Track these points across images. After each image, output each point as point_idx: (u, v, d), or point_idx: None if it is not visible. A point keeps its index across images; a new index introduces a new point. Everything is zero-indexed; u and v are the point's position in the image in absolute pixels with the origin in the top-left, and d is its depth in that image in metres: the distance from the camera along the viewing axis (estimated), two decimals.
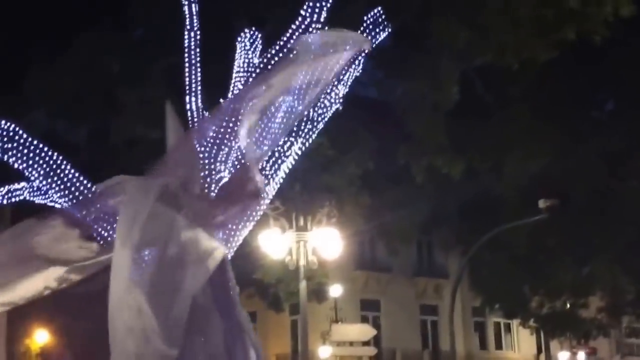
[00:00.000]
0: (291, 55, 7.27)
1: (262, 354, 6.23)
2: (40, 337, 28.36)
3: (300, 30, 7.42)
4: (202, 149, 7.37)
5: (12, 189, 22.46)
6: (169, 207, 6.48)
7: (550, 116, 26.80)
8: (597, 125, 29.51)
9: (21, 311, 25.39)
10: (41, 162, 21.73)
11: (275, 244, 24.27)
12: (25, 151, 21.63)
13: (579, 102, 28.54)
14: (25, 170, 22.05)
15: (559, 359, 44.65)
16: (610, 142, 28.66)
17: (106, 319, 5.82)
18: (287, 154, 24.99)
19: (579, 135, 27.85)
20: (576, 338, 37.95)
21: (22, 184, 22.24)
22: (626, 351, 48.59)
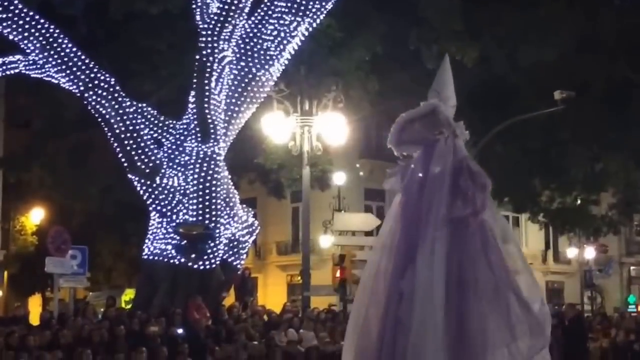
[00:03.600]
0: None
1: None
2: (36, 215, 27.91)
3: None
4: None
5: (7, 62, 20.99)
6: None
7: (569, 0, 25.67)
8: (619, 11, 28.18)
9: (16, 189, 24.39)
10: (37, 34, 20.15)
11: (279, 128, 23.45)
12: (21, 22, 20.13)
13: None
14: (21, 43, 20.67)
15: (567, 255, 44.27)
16: (632, 32, 27.41)
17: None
18: (294, 34, 23.52)
19: (599, 22, 26.60)
20: (585, 234, 37.50)
21: (18, 56, 20.79)
22: (635, 249, 48.31)
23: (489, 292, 6.40)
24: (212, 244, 20.88)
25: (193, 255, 20.60)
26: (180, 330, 18.29)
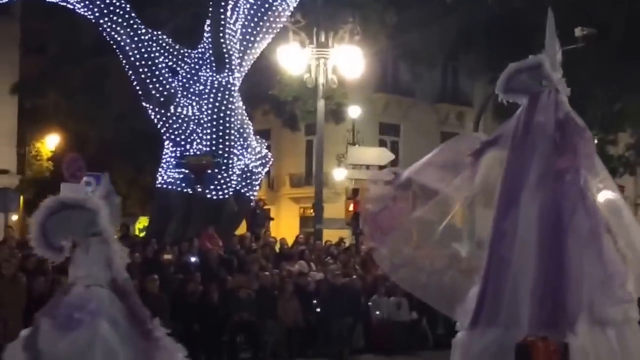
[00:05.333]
0: None
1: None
2: (51, 141, 27.98)
3: None
4: None
5: None
6: None
7: None
8: None
9: (32, 114, 24.37)
10: None
11: (294, 59, 23.29)
12: None
13: None
14: None
15: None
16: None
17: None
18: None
19: None
20: None
21: None
22: None
23: (585, 234, 6.83)
24: (224, 174, 20.91)
25: (201, 187, 20.65)
26: (193, 259, 18.42)
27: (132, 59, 21.26)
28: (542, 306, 6.95)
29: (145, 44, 21.34)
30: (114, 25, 21.07)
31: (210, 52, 21.17)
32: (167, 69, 21.72)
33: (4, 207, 21.21)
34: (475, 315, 7.44)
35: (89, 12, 21.04)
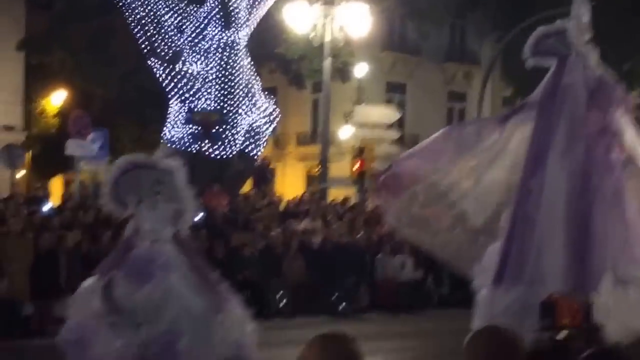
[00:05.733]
0: None
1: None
2: (57, 97, 27.96)
3: None
4: None
5: None
6: None
7: None
8: None
9: (38, 71, 24.29)
10: None
11: (301, 17, 23.17)
12: None
13: None
14: None
15: None
16: None
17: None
18: None
19: None
20: None
21: None
22: None
23: (610, 196, 6.95)
24: (230, 132, 20.91)
25: (209, 143, 20.67)
26: (199, 216, 18.46)
27: (138, 16, 21.18)
28: (567, 265, 7.07)
29: (151, 1, 21.24)
30: None
31: (217, 9, 21.06)
32: (173, 27, 21.63)
33: (11, 163, 21.26)
34: (499, 273, 7.55)
35: None
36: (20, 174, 24.24)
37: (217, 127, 20.76)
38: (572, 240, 7.10)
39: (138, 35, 21.41)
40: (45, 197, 20.32)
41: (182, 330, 8.60)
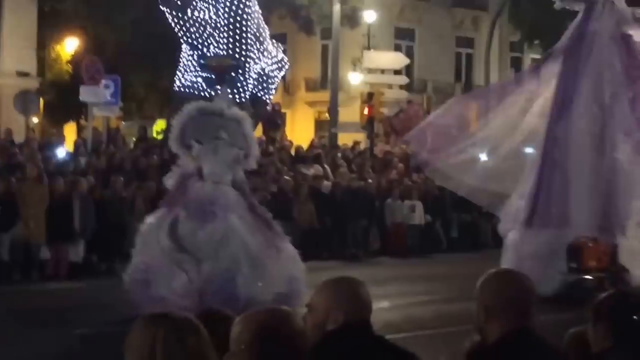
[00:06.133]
0: None
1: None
2: (70, 44, 28.07)
3: None
4: None
5: None
6: None
7: None
8: None
9: (51, 17, 24.44)
10: None
11: None
12: None
13: None
14: None
15: None
16: None
17: None
18: None
19: None
20: None
21: None
22: None
23: (636, 142, 7.07)
24: (241, 78, 21.12)
25: (222, 87, 20.89)
26: None
27: None
28: (594, 209, 7.22)
29: None
30: None
31: None
32: None
33: (25, 109, 21.52)
34: (528, 217, 7.71)
35: None
36: (35, 120, 24.48)
37: (230, 72, 20.97)
38: (598, 184, 7.16)
39: None
40: (60, 143, 20.58)
41: (241, 267, 9.13)
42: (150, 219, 9.67)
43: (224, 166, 9.50)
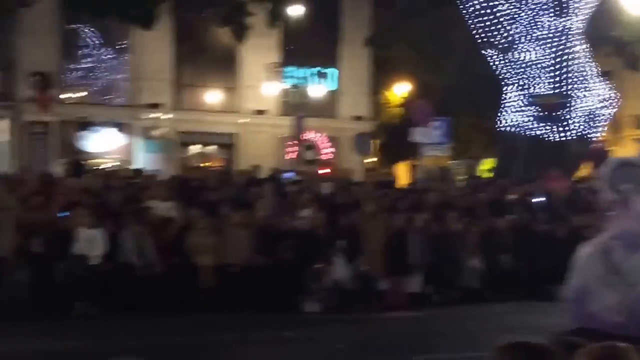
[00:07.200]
0: None
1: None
2: (400, 89, 29.68)
3: None
4: None
5: None
6: None
7: None
8: None
9: (383, 65, 26.17)
10: None
11: None
12: None
13: None
14: None
15: None
16: None
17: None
18: None
19: None
20: None
21: None
22: None
23: None
24: (567, 116, 21.31)
25: (550, 125, 21.16)
26: (539, 199, 18.89)
27: (474, 7, 22.13)
28: None
29: None
30: None
31: None
32: (507, 16, 22.34)
33: (361, 150, 23.06)
34: None
35: None
36: (370, 160, 26.10)
37: (558, 110, 21.22)
38: None
39: (473, 26, 22.33)
40: (392, 182, 21.80)
41: None
42: (582, 251, 10.30)
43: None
